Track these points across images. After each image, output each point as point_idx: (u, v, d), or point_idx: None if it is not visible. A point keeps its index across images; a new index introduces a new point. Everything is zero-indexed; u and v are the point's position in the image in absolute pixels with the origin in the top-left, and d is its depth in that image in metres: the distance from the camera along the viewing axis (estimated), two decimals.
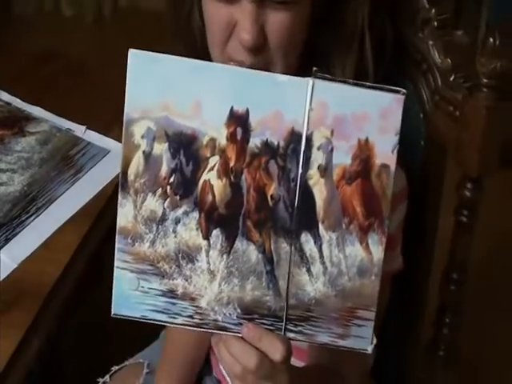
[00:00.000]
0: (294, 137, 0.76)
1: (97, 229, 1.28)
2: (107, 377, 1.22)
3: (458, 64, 1.04)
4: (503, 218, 2.28)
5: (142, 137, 0.78)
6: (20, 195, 1.36)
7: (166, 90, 0.77)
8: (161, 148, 0.78)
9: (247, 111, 0.76)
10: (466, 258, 1.09)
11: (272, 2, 0.90)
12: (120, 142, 1.37)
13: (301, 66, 0.96)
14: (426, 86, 1.07)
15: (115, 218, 1.30)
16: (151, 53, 0.78)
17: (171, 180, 0.78)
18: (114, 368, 1.22)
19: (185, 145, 0.78)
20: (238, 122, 0.77)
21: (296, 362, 0.90)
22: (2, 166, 1.42)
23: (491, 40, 0.94)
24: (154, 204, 0.79)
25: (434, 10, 1.05)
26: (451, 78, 1.04)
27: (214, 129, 0.77)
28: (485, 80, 0.97)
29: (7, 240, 1.28)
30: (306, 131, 0.76)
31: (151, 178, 0.79)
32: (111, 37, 1.71)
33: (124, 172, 0.80)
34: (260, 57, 0.92)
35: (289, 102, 0.76)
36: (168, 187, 0.79)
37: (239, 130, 0.76)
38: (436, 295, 1.13)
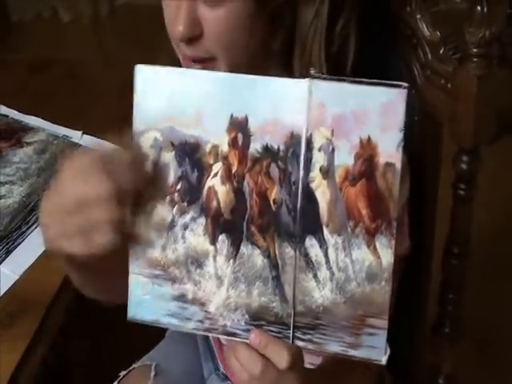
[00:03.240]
0: (293, 139, 0.76)
1: None
2: (115, 383, 1.22)
3: (447, 35, 1.02)
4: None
5: (151, 147, 0.80)
6: (19, 206, 1.36)
7: (169, 102, 0.79)
8: (168, 156, 0.79)
9: (246, 117, 0.76)
10: (466, 231, 1.08)
11: None
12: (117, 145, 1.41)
13: (260, 66, 0.95)
14: (417, 61, 1.05)
15: None
16: (156, 67, 0.79)
17: (178, 187, 0.80)
18: (122, 373, 1.22)
19: (189, 153, 0.79)
20: (239, 128, 0.77)
21: (313, 357, 0.90)
22: (1, 178, 1.43)
23: (479, 8, 0.92)
24: (162, 211, 0.80)
25: None
26: (441, 51, 1.02)
27: (215, 136, 0.78)
28: (474, 50, 0.95)
29: (8, 252, 1.28)
30: (305, 133, 0.75)
31: (160, 186, 0.81)
32: (109, 38, 1.71)
33: None
34: (199, 49, 0.93)
35: (286, 105, 0.76)
36: (176, 194, 0.80)
37: (240, 136, 0.77)
38: (439, 271, 1.12)
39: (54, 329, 1.16)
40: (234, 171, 0.78)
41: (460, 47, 0.99)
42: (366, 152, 0.74)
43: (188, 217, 0.79)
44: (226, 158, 0.78)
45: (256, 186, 0.77)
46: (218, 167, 0.78)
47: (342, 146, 0.75)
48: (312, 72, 0.74)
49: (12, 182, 1.41)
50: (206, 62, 0.94)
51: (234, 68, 0.92)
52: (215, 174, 0.78)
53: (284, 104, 0.76)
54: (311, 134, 0.75)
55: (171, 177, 0.80)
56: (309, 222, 0.76)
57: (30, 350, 1.13)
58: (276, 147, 0.76)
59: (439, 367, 1.16)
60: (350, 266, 0.75)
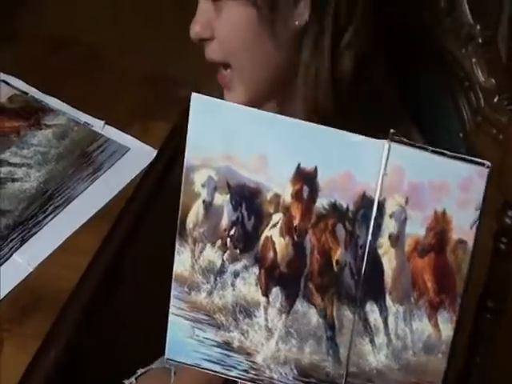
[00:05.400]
0: (364, 201, 0.73)
1: (116, 232, 1.25)
2: (133, 379, 1.20)
3: (503, 84, 1.00)
4: None
5: (203, 186, 0.77)
6: (36, 192, 1.32)
7: (229, 140, 0.75)
8: (222, 199, 0.77)
9: (315, 169, 0.74)
10: (504, 286, 1.06)
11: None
12: (140, 139, 1.38)
13: (282, 82, 0.95)
14: (468, 105, 1.03)
15: (135, 222, 1.29)
16: (214, 99, 0.76)
17: (232, 233, 0.77)
18: (140, 371, 1.20)
19: (247, 198, 0.76)
20: (305, 180, 0.74)
21: None
22: (17, 160, 1.38)
23: None
24: (212, 255, 0.78)
25: (478, 26, 1.01)
26: (495, 99, 1.00)
27: (278, 185, 0.75)
28: None
29: (23, 241, 1.25)
30: (378, 197, 0.73)
31: (211, 228, 0.77)
32: (128, 17, 1.66)
33: (182, 219, 0.78)
34: (213, 52, 0.95)
35: (361, 164, 0.73)
36: (228, 239, 0.77)
37: (306, 189, 0.74)
38: (471, 319, 1.10)
39: (69, 329, 1.14)
40: (295, 224, 0.75)
41: None
42: (439, 225, 0.72)
43: (240, 264, 0.77)
44: (287, 210, 0.75)
45: (318, 243, 0.75)
46: (278, 217, 0.76)
47: (415, 215, 0.72)
48: (392, 133, 0.70)
49: (29, 166, 1.37)
50: (225, 72, 0.95)
51: (247, 84, 0.93)
52: (274, 225, 0.76)
53: (358, 161, 0.73)
54: (384, 199, 0.73)
55: (224, 220, 0.77)
56: (372, 288, 0.74)
57: (42, 350, 1.10)
58: (345, 206, 0.74)
59: None
60: (409, 336, 0.74)
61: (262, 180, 0.75)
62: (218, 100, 0.77)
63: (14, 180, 1.34)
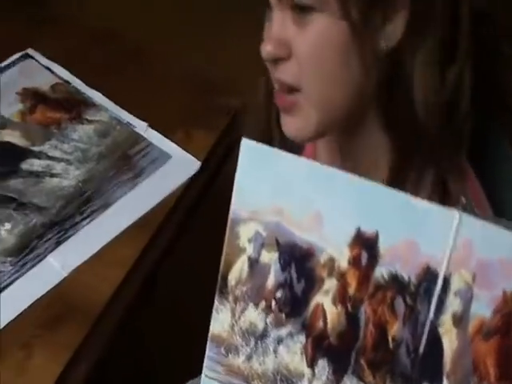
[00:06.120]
0: (428, 275, 0.67)
1: (155, 244, 1.22)
2: None
3: None
4: None
5: (249, 241, 0.71)
6: (75, 192, 1.29)
7: (280, 192, 0.69)
8: (269, 257, 0.70)
9: (377, 235, 0.67)
10: None
11: (296, 12, 0.83)
12: (182, 147, 1.35)
13: (354, 112, 0.87)
14: None
15: (175, 234, 1.26)
16: (266, 147, 0.69)
17: (278, 295, 0.71)
18: None
19: (298, 259, 0.70)
20: (365, 245, 0.68)
21: None
22: (57, 154, 1.35)
23: None
24: (255, 317, 0.72)
25: None
26: None
27: (334, 247, 0.68)
28: None
29: (58, 243, 1.22)
30: (443, 271, 0.66)
31: (255, 287, 0.71)
32: (178, 16, 1.61)
33: (224, 275, 0.72)
34: (285, 73, 0.85)
35: (427, 234, 0.66)
36: (273, 302, 0.71)
37: (364, 255, 0.68)
38: None
39: (101, 344, 1.12)
40: (350, 293, 0.69)
41: None
42: (508, 307, 0.66)
43: (285, 330, 0.71)
44: (342, 276, 0.69)
45: (374, 316, 0.69)
46: (331, 283, 0.69)
47: (482, 295, 0.66)
48: (463, 202, 0.68)
49: (68, 162, 1.34)
50: (290, 94, 0.86)
51: (321, 109, 0.85)
52: (327, 291, 0.69)
53: (424, 230, 0.66)
54: (450, 274, 0.66)
55: (271, 280, 0.71)
56: (429, 369, 0.68)
57: (72, 363, 1.09)
58: (406, 278, 0.67)
59: None
60: None
61: (315, 240, 0.69)
62: (269, 148, 0.70)
63: (52, 175, 1.31)
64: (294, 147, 0.91)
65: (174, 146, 1.34)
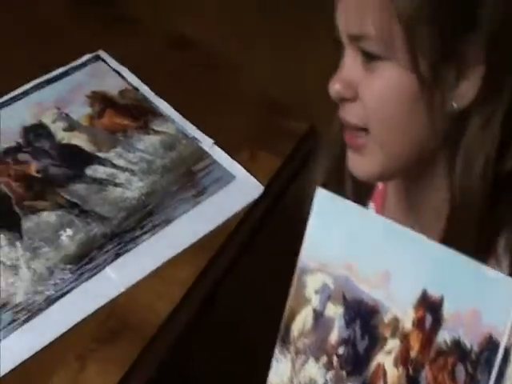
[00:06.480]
0: (490, 344, 0.65)
1: (214, 266, 1.21)
2: None
3: None
4: None
5: (316, 292, 0.71)
6: (137, 204, 1.29)
7: (352, 247, 0.69)
8: (335, 311, 0.70)
9: (442, 299, 0.67)
10: None
11: (365, 56, 0.82)
12: (246, 168, 1.34)
13: (420, 165, 0.86)
14: None
15: (236, 255, 1.26)
16: (341, 199, 0.70)
17: (340, 351, 0.70)
18: None
19: (363, 316, 0.69)
20: (429, 308, 0.67)
21: None
22: (122, 162, 1.35)
23: None
24: (315, 371, 0.71)
25: None
26: None
27: (399, 308, 0.68)
28: None
29: (117, 255, 1.23)
30: (505, 341, 0.65)
31: (318, 341, 0.71)
32: (254, 34, 1.59)
33: (287, 325, 0.72)
34: (352, 114, 0.84)
35: (491, 303, 0.65)
36: (335, 358, 0.70)
37: (429, 318, 0.67)
38: None
39: (153, 366, 1.13)
40: (412, 356, 0.68)
41: None
42: None
43: None
44: (406, 337, 0.68)
45: (435, 381, 0.67)
46: (394, 344, 0.69)
47: None
48: None
49: (133, 172, 1.34)
50: (357, 134, 0.85)
51: (386, 153, 0.84)
52: (389, 352, 0.69)
53: (489, 299, 0.65)
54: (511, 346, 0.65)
55: (334, 335, 0.70)
56: None
57: (123, 381, 1.10)
58: (468, 346, 0.66)
59: None
60: None
61: (381, 298, 0.69)
62: (345, 200, 0.70)
63: (116, 185, 1.31)
64: (366, 184, 0.92)
65: (238, 166, 1.33)
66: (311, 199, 0.72)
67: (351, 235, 0.70)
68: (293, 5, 1.55)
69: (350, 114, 0.85)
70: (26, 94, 1.45)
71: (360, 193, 0.96)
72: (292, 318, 0.73)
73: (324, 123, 1.31)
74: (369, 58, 0.81)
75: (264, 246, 1.27)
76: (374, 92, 0.82)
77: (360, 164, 0.88)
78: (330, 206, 0.71)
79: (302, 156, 1.36)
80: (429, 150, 0.85)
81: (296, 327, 0.73)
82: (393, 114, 0.82)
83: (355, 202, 0.93)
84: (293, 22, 1.59)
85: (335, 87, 0.84)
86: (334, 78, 0.84)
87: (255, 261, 1.25)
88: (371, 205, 1.00)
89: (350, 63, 0.83)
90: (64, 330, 1.13)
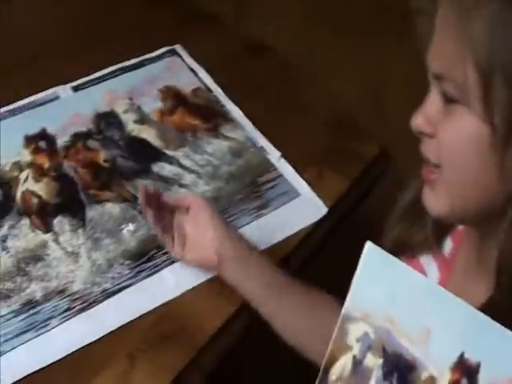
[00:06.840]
0: None
1: None
2: None
3: None
4: None
5: (357, 340, 0.72)
6: None
7: (395, 302, 0.71)
8: (374, 361, 0.71)
9: (479, 365, 0.67)
10: None
11: (446, 97, 0.82)
12: (312, 187, 1.34)
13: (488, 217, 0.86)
14: None
15: (294, 272, 1.25)
16: (389, 255, 0.71)
17: None
18: None
19: (401, 369, 0.70)
20: (466, 372, 0.68)
21: None
22: (188, 163, 1.35)
23: None
24: None
25: None
26: None
27: (436, 367, 0.69)
28: None
29: (173, 261, 1.22)
30: None
31: None
32: (329, 50, 1.58)
33: (326, 369, 0.74)
34: (429, 149, 0.85)
35: None
36: None
37: (464, 382, 0.68)
38: None
39: (201, 372, 1.13)
40: None
41: None
42: None
43: None
44: None
45: None
46: None
47: None
48: None
49: (199, 175, 1.34)
50: (432, 169, 0.86)
51: (455, 194, 0.85)
52: None
53: None
54: None
55: None
56: None
57: None
58: None
59: None
60: None
61: (420, 355, 0.69)
62: (392, 257, 0.71)
63: (181, 185, 1.31)
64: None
65: (304, 183, 1.32)
66: None
67: (396, 291, 0.71)
68: (383, 26, 1.54)
69: (427, 149, 0.86)
70: (101, 79, 1.45)
71: (439, 227, 0.98)
72: (332, 362, 0.74)
73: (397, 147, 1.31)
74: (448, 99, 0.82)
75: (323, 265, 1.27)
76: (448, 135, 0.83)
77: (430, 198, 0.89)
78: (378, 260, 0.72)
79: (370, 179, 1.35)
80: (498, 202, 0.84)
81: (335, 372, 0.74)
82: (463, 159, 0.82)
83: (432, 234, 0.97)
84: (380, 43, 1.57)
85: (417, 122, 0.85)
86: (417, 112, 0.86)
87: (311, 280, 1.24)
88: (449, 241, 0.99)
89: (434, 100, 0.84)
90: (117, 325, 1.13)
